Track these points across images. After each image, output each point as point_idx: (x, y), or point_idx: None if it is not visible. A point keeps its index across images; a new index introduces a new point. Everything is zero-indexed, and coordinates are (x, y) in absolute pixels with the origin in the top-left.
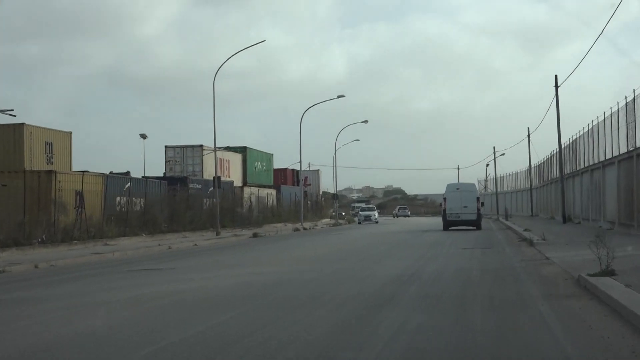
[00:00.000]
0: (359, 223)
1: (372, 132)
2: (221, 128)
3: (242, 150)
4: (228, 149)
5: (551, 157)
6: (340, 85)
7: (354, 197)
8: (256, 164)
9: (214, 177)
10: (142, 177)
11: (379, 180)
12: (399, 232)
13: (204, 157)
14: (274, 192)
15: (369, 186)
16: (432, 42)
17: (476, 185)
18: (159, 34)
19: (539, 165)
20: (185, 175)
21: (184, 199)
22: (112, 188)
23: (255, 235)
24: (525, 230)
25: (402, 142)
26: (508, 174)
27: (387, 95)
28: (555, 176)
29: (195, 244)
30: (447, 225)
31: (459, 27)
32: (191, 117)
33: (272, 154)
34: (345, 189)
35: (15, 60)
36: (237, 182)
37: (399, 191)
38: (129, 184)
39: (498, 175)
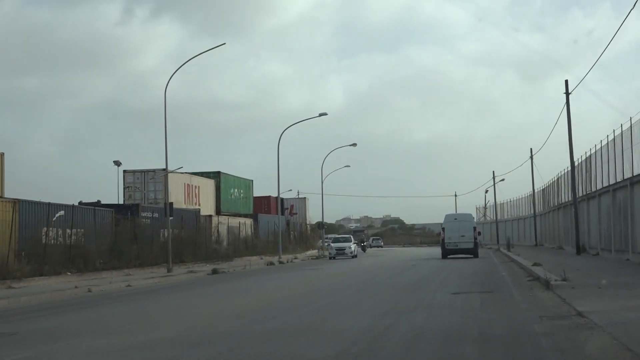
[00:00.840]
0: (330, 258)
1: (370, 162)
2: (219, 158)
3: (216, 175)
4: (199, 174)
5: (558, 179)
6: (339, 115)
7: (352, 227)
8: (232, 190)
9: (164, 204)
10: (80, 203)
11: (378, 210)
12: (382, 266)
13: (168, 182)
14: (250, 221)
15: (367, 216)
16: (430, 72)
17: (473, 216)
18: (157, 67)
19: (543, 189)
20: (147, 203)
21: (127, 229)
22: (31, 217)
23: (214, 271)
24: (534, 264)
25: (400, 172)
26: (509, 200)
27: (385, 124)
28: (562, 200)
29: (129, 285)
30: (446, 253)
31: (456, 57)
32: (187, 148)
33: (252, 180)
34: (344, 219)
35: (14, 93)
36: (209, 211)
37: (397, 221)
38: (60, 213)
39: (498, 202)
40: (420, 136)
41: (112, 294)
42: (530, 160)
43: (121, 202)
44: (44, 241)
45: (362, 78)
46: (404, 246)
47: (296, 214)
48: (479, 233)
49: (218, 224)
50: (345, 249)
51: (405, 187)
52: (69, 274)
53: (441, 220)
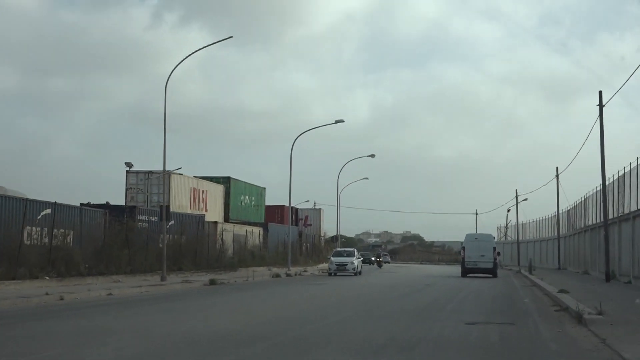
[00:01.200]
0: (330, 275)
1: (392, 177)
2: (244, 168)
3: (225, 180)
4: (208, 178)
5: (585, 199)
6: (363, 130)
7: (371, 242)
8: (242, 197)
9: (161, 207)
10: (82, 204)
11: (398, 226)
12: (392, 285)
13: (172, 185)
14: (259, 230)
15: (387, 231)
16: (456, 90)
17: (493, 236)
18: (184, 73)
19: (568, 210)
20: (150, 206)
21: (118, 232)
22: (6, 213)
23: (212, 282)
24: (561, 291)
25: (422, 188)
26: (531, 221)
27: (410, 140)
28: (590, 222)
29: (111, 293)
30: (465, 272)
31: (483, 76)
32: (214, 155)
33: (264, 188)
34: (363, 233)
35: (42, 94)
36: (216, 217)
37: (417, 237)
38: (46, 211)
39: (520, 222)
40: (444, 153)
41: (84, 303)
42: (555, 179)
43: (125, 204)
44: (23, 241)
45: (388, 93)
46: (421, 263)
47: (310, 225)
48: (499, 253)
49: (222, 231)
50: (347, 265)
51: (427, 204)
52: (47, 278)
53: (461, 239)
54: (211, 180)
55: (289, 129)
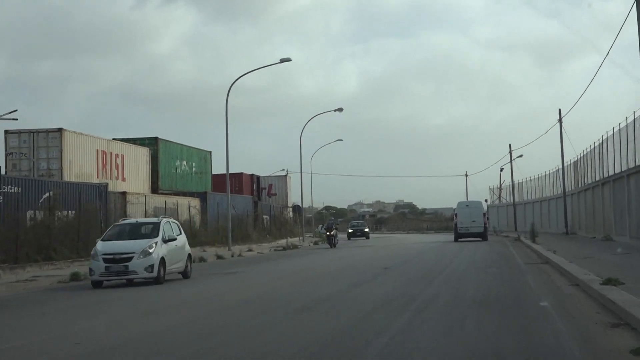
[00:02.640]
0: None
1: (384, 146)
2: (233, 143)
3: (152, 142)
4: (127, 140)
5: (600, 145)
6: (353, 100)
7: (363, 212)
8: (177, 163)
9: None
10: None
11: (390, 196)
12: (329, 273)
13: (65, 146)
14: (196, 202)
15: (379, 201)
16: (445, 57)
17: (482, 202)
18: (172, 51)
19: (575, 162)
20: (38, 175)
21: None
22: None
23: (74, 277)
24: (607, 282)
25: (414, 157)
26: (529, 179)
27: (399, 110)
28: (609, 173)
29: None
30: (458, 236)
31: (471, 42)
32: (202, 132)
33: (209, 152)
34: (356, 204)
35: (30, 78)
36: (140, 187)
37: (410, 206)
38: None
39: (516, 182)
40: (435, 121)
41: None
42: (558, 124)
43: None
44: None
45: (377, 63)
46: (408, 232)
47: (275, 194)
48: (488, 218)
49: (126, 203)
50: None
51: (419, 172)
52: None
53: (453, 205)
54: (132, 142)
55: (278, 103)
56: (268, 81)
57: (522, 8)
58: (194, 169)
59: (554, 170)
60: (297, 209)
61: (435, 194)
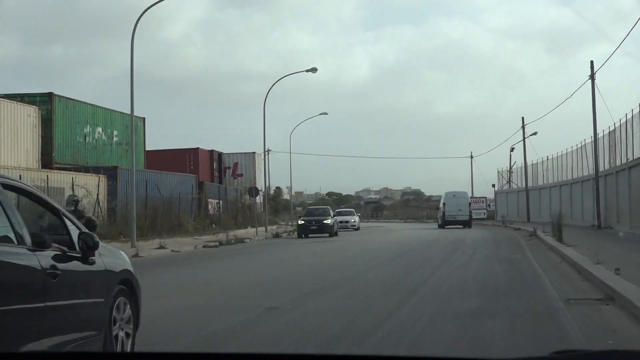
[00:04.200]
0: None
1: (394, 134)
2: (245, 130)
3: (45, 100)
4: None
5: None
6: (364, 88)
7: (370, 198)
8: (87, 129)
9: None
10: None
11: (399, 182)
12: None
13: None
14: (102, 180)
15: (387, 187)
16: (456, 45)
17: (467, 193)
18: (184, 36)
19: (611, 131)
20: None
21: None
22: None
23: None
24: None
25: (423, 144)
26: (546, 159)
27: (411, 97)
28: None
29: None
30: (445, 224)
31: (483, 30)
32: (212, 118)
33: (143, 118)
34: (363, 190)
35: (41, 61)
36: (20, 160)
37: (417, 192)
38: None
39: (529, 162)
40: (445, 109)
41: None
42: (590, 81)
43: None
44: None
45: (388, 50)
46: (405, 221)
47: (241, 175)
48: (479, 205)
49: None
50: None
51: (425, 159)
52: None
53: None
54: (11, 99)
55: (288, 89)
56: (278, 68)
57: None
58: (115, 139)
59: (580, 145)
60: (254, 191)
61: (443, 181)
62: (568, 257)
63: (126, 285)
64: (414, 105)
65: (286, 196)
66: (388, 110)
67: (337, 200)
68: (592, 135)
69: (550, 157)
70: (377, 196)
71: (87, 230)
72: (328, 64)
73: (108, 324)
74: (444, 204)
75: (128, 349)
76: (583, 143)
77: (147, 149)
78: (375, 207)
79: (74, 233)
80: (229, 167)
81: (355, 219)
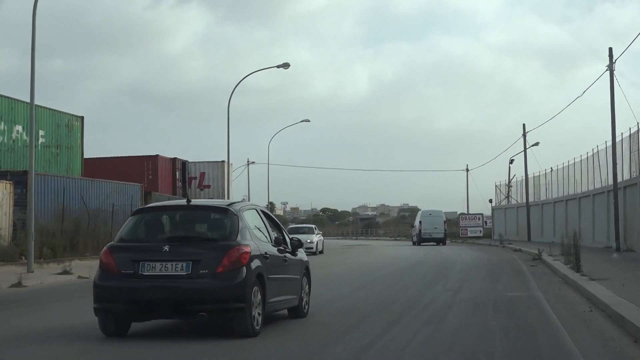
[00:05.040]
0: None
1: (393, 149)
2: (243, 144)
3: None
4: None
5: None
6: (363, 103)
7: (367, 215)
8: (0, 127)
9: None
10: None
11: (396, 199)
12: None
13: None
14: (5, 187)
15: (384, 204)
16: (455, 61)
17: (442, 212)
18: (184, 50)
19: (633, 134)
20: None
21: None
22: None
23: None
24: None
25: (421, 160)
26: (550, 169)
27: (409, 113)
28: None
29: None
30: (420, 241)
31: (482, 47)
32: (212, 132)
33: (81, 117)
34: (360, 207)
35: (42, 75)
36: None
37: (414, 209)
38: None
39: (530, 175)
40: (443, 124)
41: None
42: (608, 72)
43: None
44: None
45: (387, 66)
46: (395, 239)
47: (209, 187)
48: (447, 225)
49: None
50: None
51: (425, 174)
52: None
53: (455, 209)
54: None
55: (287, 104)
56: (277, 83)
57: (532, 14)
58: (41, 140)
59: (592, 152)
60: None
61: (440, 197)
62: (600, 301)
63: (306, 270)
64: (412, 121)
65: (279, 211)
66: (387, 125)
67: (332, 217)
68: (611, 138)
69: (555, 168)
70: (374, 213)
71: (296, 238)
72: (328, 80)
73: (300, 291)
74: (420, 222)
75: (306, 307)
76: (595, 150)
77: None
78: (368, 223)
79: (287, 239)
80: (195, 178)
81: (313, 238)
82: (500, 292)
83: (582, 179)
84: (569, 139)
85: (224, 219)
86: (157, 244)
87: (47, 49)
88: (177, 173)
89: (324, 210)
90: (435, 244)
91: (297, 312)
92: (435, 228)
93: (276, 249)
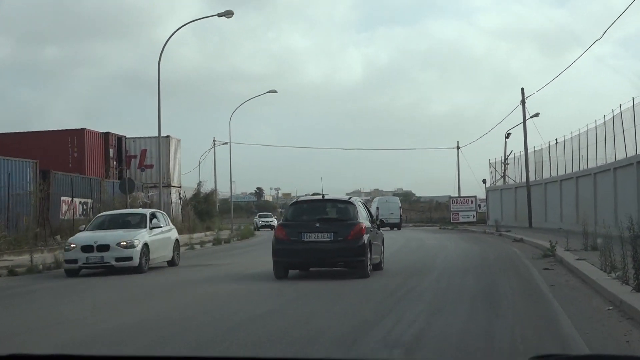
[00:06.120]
0: None
1: (388, 134)
2: (236, 129)
3: None
4: None
5: None
6: (357, 88)
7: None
8: None
9: None
10: None
11: (390, 184)
12: None
13: None
14: None
15: (377, 189)
16: (450, 45)
17: (398, 199)
18: (177, 37)
19: None
20: None
21: None
22: None
23: None
24: None
25: (416, 144)
26: (555, 142)
27: (404, 97)
28: None
29: None
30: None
31: (476, 30)
32: (206, 118)
33: None
34: (354, 192)
35: (36, 63)
36: None
37: (408, 194)
38: None
39: (531, 149)
40: (439, 109)
41: None
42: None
43: None
44: None
45: (381, 51)
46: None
47: (151, 167)
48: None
49: None
50: None
51: (419, 159)
52: None
53: (449, 193)
54: None
55: (281, 90)
56: (272, 68)
57: None
58: None
59: (613, 114)
60: (127, 185)
61: (433, 182)
62: None
63: (382, 239)
64: (407, 106)
65: (269, 197)
66: (381, 110)
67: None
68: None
69: (561, 140)
70: (367, 198)
71: (380, 219)
72: (322, 65)
73: (382, 254)
74: (377, 208)
75: (383, 264)
76: (617, 112)
77: None
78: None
79: (374, 218)
80: (135, 157)
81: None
82: (504, 341)
83: (597, 150)
84: (573, 109)
85: (348, 207)
86: (310, 222)
87: (42, 37)
88: (112, 150)
89: (315, 194)
90: (391, 228)
91: (378, 266)
92: (392, 213)
93: (372, 225)
